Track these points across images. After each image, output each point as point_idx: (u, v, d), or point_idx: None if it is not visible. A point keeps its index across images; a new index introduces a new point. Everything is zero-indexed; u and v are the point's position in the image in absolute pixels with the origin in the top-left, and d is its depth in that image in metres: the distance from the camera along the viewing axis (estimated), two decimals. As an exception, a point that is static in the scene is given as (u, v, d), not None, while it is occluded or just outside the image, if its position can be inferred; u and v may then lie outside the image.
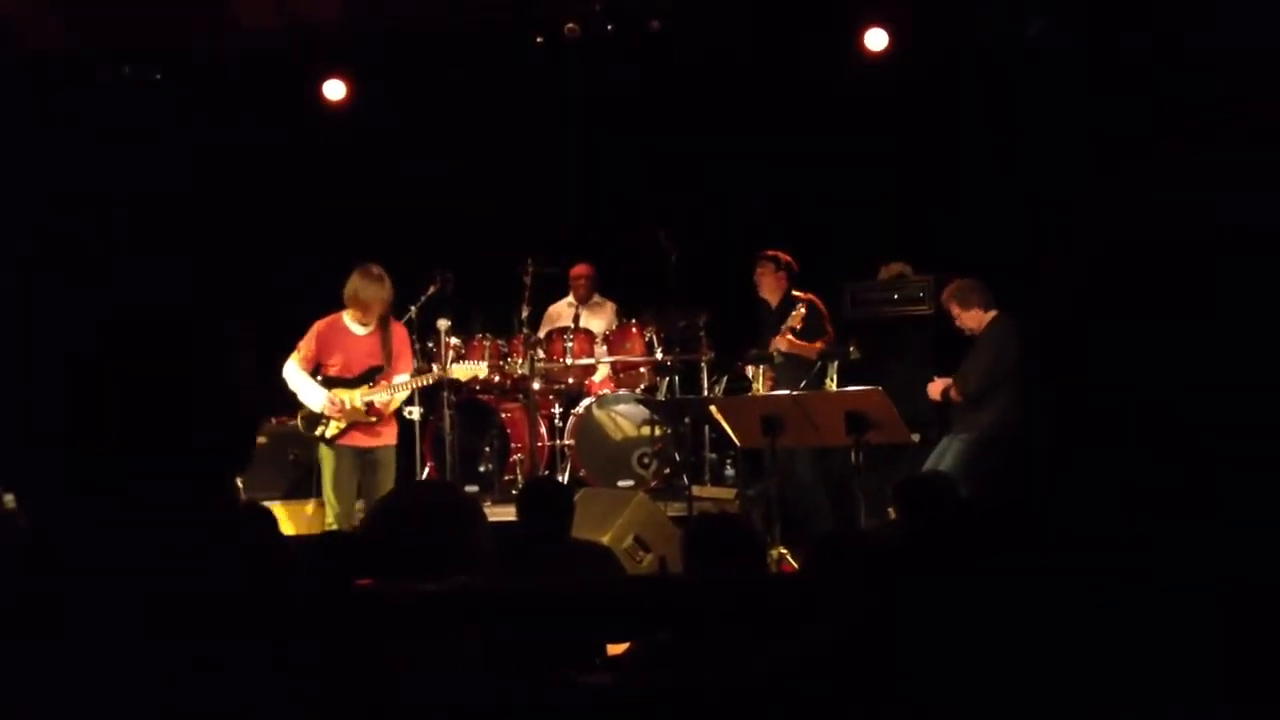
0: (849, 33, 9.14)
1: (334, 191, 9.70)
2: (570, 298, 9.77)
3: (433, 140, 9.72)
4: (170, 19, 9.06)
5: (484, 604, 1.93)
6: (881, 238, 9.12)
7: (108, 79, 9.44)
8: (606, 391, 9.02)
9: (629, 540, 6.64)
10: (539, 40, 9.25)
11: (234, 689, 1.10)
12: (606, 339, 9.13)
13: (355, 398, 7.31)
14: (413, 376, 7.65)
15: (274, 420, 9.10)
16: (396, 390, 7.42)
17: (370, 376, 7.36)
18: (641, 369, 9.15)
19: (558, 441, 9.00)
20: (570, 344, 9.02)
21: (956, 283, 7.63)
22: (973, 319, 7.53)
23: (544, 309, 9.75)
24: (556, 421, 9.05)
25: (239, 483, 8.14)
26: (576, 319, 9.45)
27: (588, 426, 8.90)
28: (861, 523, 6.49)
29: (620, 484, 8.56)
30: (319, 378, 7.36)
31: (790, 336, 7.97)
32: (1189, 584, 0.88)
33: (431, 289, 8.67)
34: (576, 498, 5.16)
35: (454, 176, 9.72)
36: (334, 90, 9.72)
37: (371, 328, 7.37)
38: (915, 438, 7.09)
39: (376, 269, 7.29)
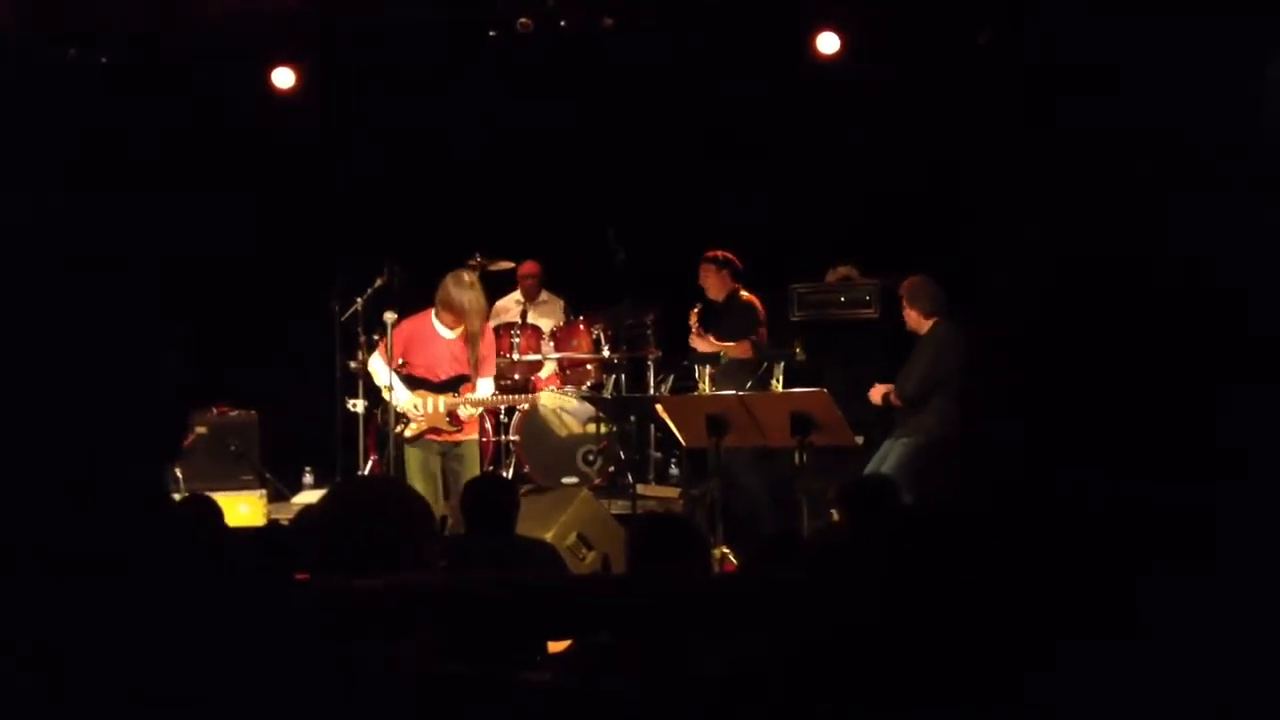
0: (801, 35, 9.17)
1: (282, 180, 9.61)
2: (518, 294, 9.75)
3: (382, 131, 9.66)
4: (118, 2, 8.94)
5: (423, 600, 1.92)
6: (829, 240, 9.17)
7: (52, 61, 9.29)
8: (553, 388, 9.01)
9: (572, 538, 6.64)
10: (491, 34, 9.22)
11: (168, 681, 1.09)
12: (554, 335, 9.12)
13: (439, 404, 7.23)
14: (498, 393, 7.66)
15: (215, 411, 9.02)
16: (481, 405, 7.39)
17: (456, 385, 7.28)
18: (588, 366, 9.14)
19: (503, 437, 8.98)
20: (517, 339, 9.01)
21: (915, 279, 7.74)
22: (912, 319, 7.64)
23: (491, 303, 9.71)
24: (502, 417, 9.02)
25: (178, 473, 8.11)
26: (524, 315, 9.44)
27: (533, 423, 8.88)
28: (805, 525, 6.52)
29: (565, 481, 8.54)
30: (402, 375, 7.27)
31: (708, 336, 8.05)
32: (1132, 586, 0.89)
33: (379, 281, 8.61)
34: (520, 494, 5.14)
35: (403, 168, 9.67)
36: (283, 78, 9.63)
37: (459, 332, 7.28)
38: (859, 440, 7.14)
39: (469, 275, 7.23)
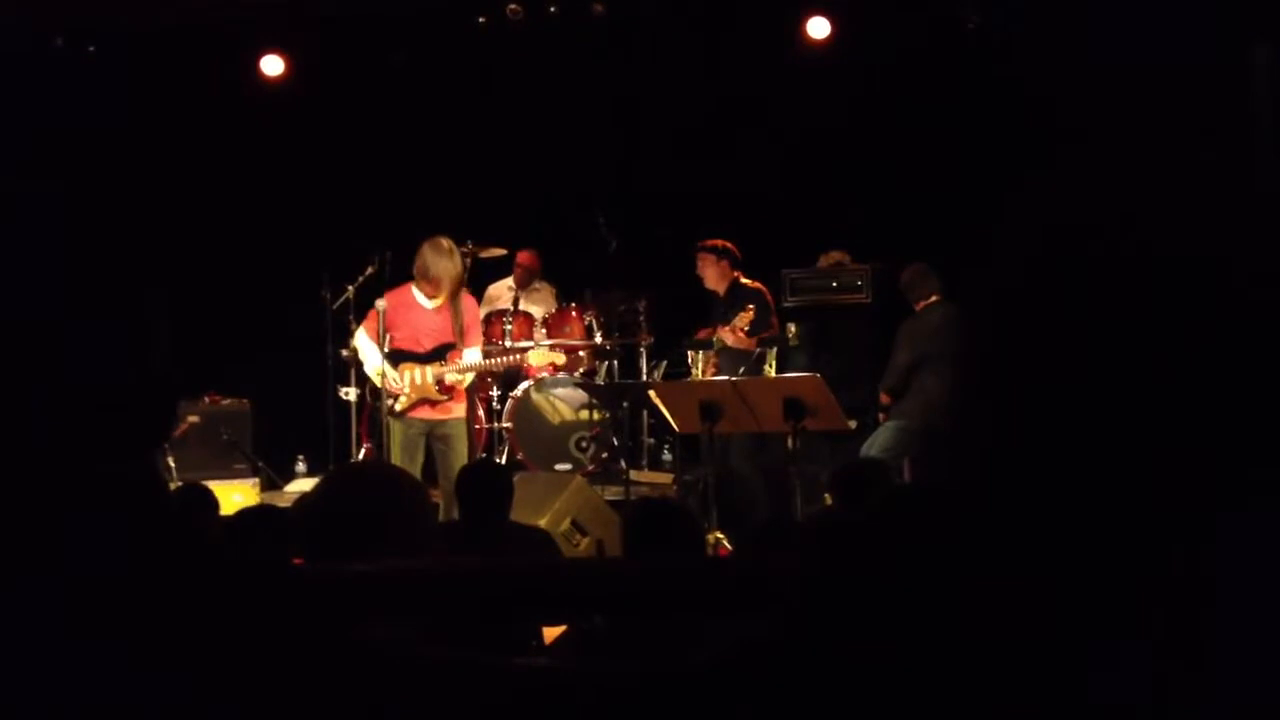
0: (792, 20, 9.17)
1: (271, 168, 9.59)
2: (510, 280, 9.75)
3: (373, 118, 9.64)
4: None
5: (418, 586, 1.91)
6: (821, 226, 9.17)
7: (40, 51, 9.25)
8: (545, 375, 9.00)
9: (566, 524, 6.64)
10: (481, 20, 9.20)
11: (164, 672, 1.08)
12: (546, 322, 9.11)
13: (426, 374, 7.21)
14: (485, 357, 7.62)
15: (207, 399, 9.01)
16: (469, 370, 7.36)
17: (441, 354, 7.24)
18: (581, 353, 9.14)
19: (495, 424, 8.98)
20: (509, 326, 9.00)
21: (917, 266, 7.83)
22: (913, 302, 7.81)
23: (483, 289, 9.71)
24: (494, 404, 9.02)
25: (170, 463, 8.09)
26: (516, 301, 9.43)
27: (526, 410, 8.88)
28: (798, 509, 6.53)
29: (558, 467, 8.55)
30: (387, 350, 7.23)
31: (740, 333, 7.97)
32: (1123, 571, 0.89)
33: (370, 269, 8.60)
34: (514, 480, 5.14)
35: (394, 155, 9.64)
36: (272, 66, 9.59)
37: (441, 301, 7.24)
38: (853, 424, 7.16)
39: (446, 242, 7.14)
